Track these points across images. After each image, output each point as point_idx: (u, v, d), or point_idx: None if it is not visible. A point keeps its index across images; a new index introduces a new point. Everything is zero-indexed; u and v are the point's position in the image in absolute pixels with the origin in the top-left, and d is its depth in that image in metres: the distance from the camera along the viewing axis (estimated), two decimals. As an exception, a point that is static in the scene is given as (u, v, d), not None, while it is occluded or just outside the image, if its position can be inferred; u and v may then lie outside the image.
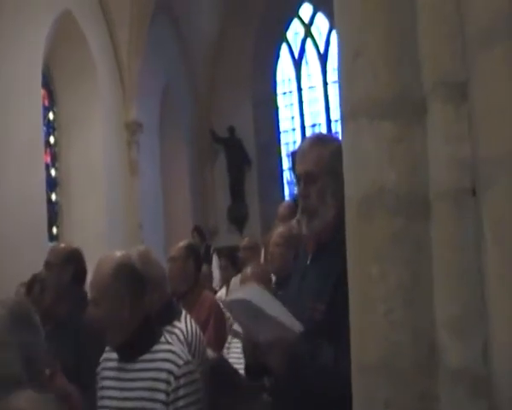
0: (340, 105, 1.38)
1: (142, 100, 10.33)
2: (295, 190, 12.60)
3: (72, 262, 3.35)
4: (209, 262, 8.55)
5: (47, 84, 9.18)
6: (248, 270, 3.38)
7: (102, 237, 9.01)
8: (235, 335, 3.15)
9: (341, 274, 1.48)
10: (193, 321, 2.95)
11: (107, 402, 2.24)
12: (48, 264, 3.38)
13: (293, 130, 12.98)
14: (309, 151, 2.03)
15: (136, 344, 2.18)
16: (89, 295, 2.43)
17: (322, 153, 1.99)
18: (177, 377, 2.07)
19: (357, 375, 1.27)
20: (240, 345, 3.10)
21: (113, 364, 2.26)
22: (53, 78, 9.40)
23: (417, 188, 1.21)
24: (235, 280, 5.13)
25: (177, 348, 2.22)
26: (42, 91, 8.74)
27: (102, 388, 2.29)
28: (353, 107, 1.30)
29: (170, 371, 2.08)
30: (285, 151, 12.76)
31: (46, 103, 9.23)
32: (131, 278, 2.21)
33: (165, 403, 2.06)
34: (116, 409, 2.20)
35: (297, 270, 2.17)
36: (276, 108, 13.04)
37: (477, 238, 1.05)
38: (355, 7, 1.31)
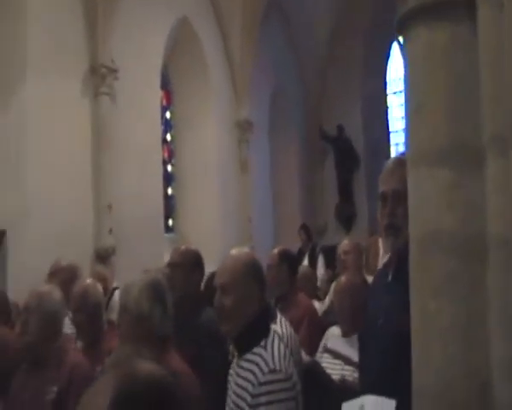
0: (406, 151, 1.52)
1: (253, 99, 10.63)
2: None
3: None
4: (315, 262, 8.64)
5: (165, 84, 9.73)
6: (342, 280, 3.42)
7: (215, 230, 9.47)
8: (327, 351, 3.24)
9: None
10: (287, 324, 3.09)
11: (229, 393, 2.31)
12: None
13: (404, 130, 12.65)
14: (395, 171, 2.14)
15: (248, 339, 2.23)
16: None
17: (406, 174, 2.10)
18: (259, 384, 2.07)
19: (415, 398, 1.40)
20: (330, 360, 3.18)
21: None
22: (170, 79, 9.94)
23: (473, 232, 1.31)
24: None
25: (268, 354, 2.15)
26: (160, 92, 9.30)
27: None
28: (416, 154, 1.43)
29: (255, 375, 2.12)
30: (394, 151, 12.53)
31: (164, 103, 9.80)
32: (260, 273, 2.36)
33: (250, 405, 2.10)
34: (231, 403, 2.27)
35: (376, 291, 2.27)
36: (386, 108, 12.84)
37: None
38: (419, 62, 1.43)
